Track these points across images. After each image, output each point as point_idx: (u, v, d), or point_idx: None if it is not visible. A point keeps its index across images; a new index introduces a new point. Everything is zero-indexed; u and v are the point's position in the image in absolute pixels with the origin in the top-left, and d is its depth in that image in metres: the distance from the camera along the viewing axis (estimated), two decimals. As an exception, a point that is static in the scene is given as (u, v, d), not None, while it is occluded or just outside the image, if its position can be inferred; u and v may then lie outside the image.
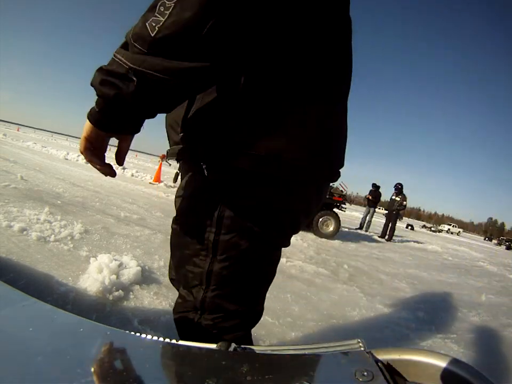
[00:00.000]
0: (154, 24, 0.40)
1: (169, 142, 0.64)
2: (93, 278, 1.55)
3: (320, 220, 5.19)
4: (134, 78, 0.41)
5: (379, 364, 0.32)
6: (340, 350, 0.37)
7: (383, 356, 0.34)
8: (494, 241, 44.23)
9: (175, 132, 0.60)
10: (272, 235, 0.58)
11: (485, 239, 45.63)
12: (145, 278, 1.78)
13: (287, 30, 0.48)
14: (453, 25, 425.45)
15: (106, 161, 0.52)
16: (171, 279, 0.80)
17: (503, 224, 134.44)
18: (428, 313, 2.37)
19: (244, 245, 0.56)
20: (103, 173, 0.53)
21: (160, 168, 8.13)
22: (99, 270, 1.60)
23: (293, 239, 4.15)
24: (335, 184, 6.12)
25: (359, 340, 0.39)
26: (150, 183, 7.39)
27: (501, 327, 2.46)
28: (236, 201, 0.54)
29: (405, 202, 7.48)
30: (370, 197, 8.17)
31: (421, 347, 1.75)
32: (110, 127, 0.47)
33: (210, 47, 0.41)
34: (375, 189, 8.16)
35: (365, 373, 0.30)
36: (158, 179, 7.72)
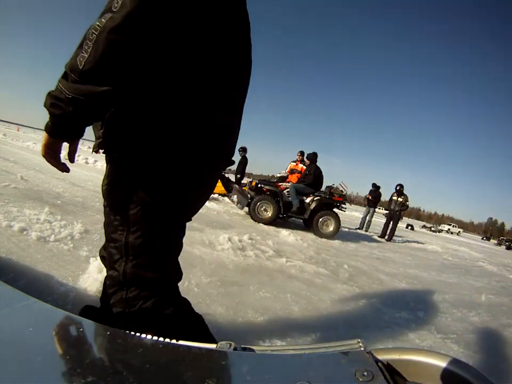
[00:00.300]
0: (81, 59, 0.57)
1: (94, 138, 0.79)
2: (93, 278, 1.55)
3: (320, 220, 5.19)
4: (71, 102, 0.58)
5: (379, 363, 0.32)
6: (340, 350, 0.37)
7: (383, 356, 0.34)
8: (493, 241, 44.12)
9: (97, 129, 0.74)
10: (170, 210, 0.73)
11: (482, 239, 45.45)
12: (145, 278, 1.77)
13: (179, 62, 0.67)
14: (453, 25, 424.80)
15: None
16: (101, 257, 0.95)
17: (503, 224, 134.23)
18: (428, 313, 2.37)
19: (149, 217, 0.71)
20: (60, 170, 0.70)
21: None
22: (99, 270, 1.60)
23: (293, 239, 4.10)
24: (335, 184, 6.13)
25: (359, 340, 0.39)
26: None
27: (501, 327, 2.46)
28: (140, 181, 0.70)
29: (407, 203, 7.49)
30: (370, 197, 8.17)
31: (421, 347, 1.74)
32: (60, 135, 0.65)
33: (113, 77, 0.60)
34: (375, 189, 8.15)
35: (365, 373, 0.30)
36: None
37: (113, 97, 0.62)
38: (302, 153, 6.37)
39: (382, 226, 7.70)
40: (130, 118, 0.69)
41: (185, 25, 0.64)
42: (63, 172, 0.71)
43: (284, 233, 4.43)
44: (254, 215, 5.10)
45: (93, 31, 0.58)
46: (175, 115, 0.69)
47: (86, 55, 0.57)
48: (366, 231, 7.91)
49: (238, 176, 7.42)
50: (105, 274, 1.64)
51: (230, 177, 7.47)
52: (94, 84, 0.58)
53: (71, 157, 0.71)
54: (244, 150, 7.43)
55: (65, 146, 0.70)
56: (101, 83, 0.59)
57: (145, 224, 0.70)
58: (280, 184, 5.66)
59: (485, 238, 47.28)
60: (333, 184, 6.05)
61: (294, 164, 6.42)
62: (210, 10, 0.67)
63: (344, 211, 6.26)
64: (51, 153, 0.67)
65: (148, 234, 0.71)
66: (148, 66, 0.64)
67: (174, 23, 0.62)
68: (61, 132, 0.64)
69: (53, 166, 0.69)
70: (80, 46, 0.59)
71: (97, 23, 0.58)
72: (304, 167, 6.17)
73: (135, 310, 0.71)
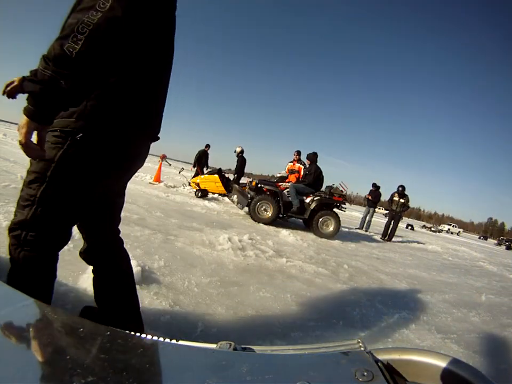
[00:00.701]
0: (71, 50, 0.66)
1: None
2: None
3: (320, 220, 5.18)
4: (66, 80, 0.67)
5: (379, 363, 0.33)
6: (340, 350, 0.37)
7: (383, 356, 0.34)
8: (491, 240, 43.94)
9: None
10: (92, 178, 0.84)
11: (479, 238, 45.26)
12: (145, 278, 1.77)
13: (130, 65, 0.84)
14: (454, 25, 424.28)
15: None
16: (80, 253, 1.08)
17: (503, 224, 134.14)
18: (428, 313, 2.37)
19: (70, 181, 0.81)
20: (38, 156, 0.73)
21: (160, 168, 8.13)
22: (99, 270, 1.60)
23: (293, 239, 4.10)
24: (335, 184, 6.13)
25: (359, 340, 0.39)
26: (150, 183, 7.38)
27: (501, 327, 2.47)
28: (73, 150, 0.80)
29: (408, 203, 7.50)
30: (370, 197, 8.17)
31: (421, 347, 1.74)
32: (47, 120, 0.69)
33: (99, 67, 0.72)
34: (375, 189, 8.16)
35: (365, 373, 0.30)
36: (158, 179, 7.72)
37: (94, 82, 0.74)
38: (298, 152, 6.37)
39: (382, 226, 7.70)
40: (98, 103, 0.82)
41: (141, 29, 0.79)
42: (41, 158, 0.75)
43: (284, 233, 4.43)
44: (254, 215, 5.10)
45: (84, 25, 0.66)
46: (121, 102, 0.84)
47: (77, 47, 0.66)
48: (366, 231, 7.91)
49: (235, 175, 7.45)
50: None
51: (230, 177, 7.49)
52: (82, 70, 0.68)
53: (43, 145, 0.73)
54: (241, 151, 7.52)
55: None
56: (88, 70, 0.69)
57: (63, 185, 0.80)
58: (280, 184, 5.66)
59: (482, 237, 46.99)
60: (333, 184, 6.05)
61: (291, 164, 6.42)
62: (156, 21, 0.84)
63: (344, 211, 6.26)
64: (30, 139, 0.69)
65: (62, 194, 0.81)
66: (116, 60, 0.78)
67: (139, 27, 0.77)
68: (48, 116, 0.69)
69: (33, 153, 0.71)
70: (65, 37, 0.66)
71: (87, 20, 0.67)
72: (301, 166, 6.19)
73: (24, 253, 0.80)
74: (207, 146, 8.46)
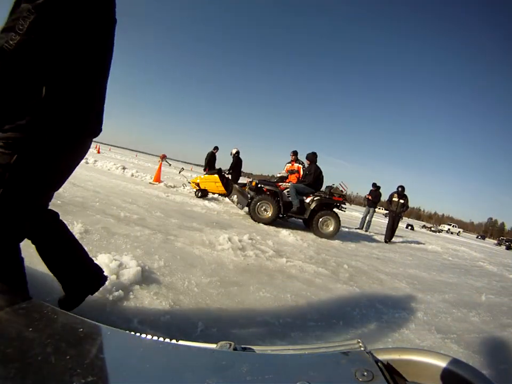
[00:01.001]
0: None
1: None
2: (93, 278, 1.55)
3: (320, 220, 5.18)
4: None
5: (379, 363, 0.33)
6: (340, 350, 0.37)
7: (383, 356, 0.34)
8: (489, 239, 44.06)
9: None
10: (42, 173, 0.91)
11: (477, 237, 45.38)
12: (145, 278, 1.77)
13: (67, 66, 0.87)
14: (454, 25, 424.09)
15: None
16: None
17: (503, 224, 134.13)
18: (428, 313, 2.37)
19: (21, 184, 0.87)
20: None
21: (160, 168, 8.13)
22: (99, 270, 1.60)
23: (293, 239, 4.09)
24: (335, 184, 6.13)
25: (359, 340, 0.39)
26: (150, 183, 7.38)
27: (501, 327, 2.47)
28: (22, 156, 0.85)
29: (408, 203, 7.49)
30: (370, 197, 8.17)
31: (421, 347, 1.74)
32: None
33: (15, 86, 0.75)
34: (375, 189, 8.16)
35: (365, 373, 0.30)
36: (158, 179, 7.72)
37: (23, 101, 0.79)
38: (294, 152, 6.39)
39: (382, 226, 7.69)
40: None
41: (68, 39, 0.83)
42: None
43: (284, 233, 4.43)
44: (254, 215, 5.10)
45: (1, 51, 0.69)
46: (60, 109, 0.88)
47: None
48: (366, 231, 7.91)
49: (228, 173, 7.48)
50: (107, 275, 1.71)
51: (230, 178, 7.50)
52: (4, 96, 0.73)
53: None
54: (236, 152, 7.61)
55: None
56: (11, 94, 0.74)
57: (17, 187, 0.87)
58: (280, 184, 5.66)
59: (480, 237, 47.00)
60: (333, 184, 6.05)
61: (290, 165, 6.43)
62: (86, 28, 0.87)
63: (344, 211, 6.26)
64: None
65: (16, 194, 0.88)
66: (45, 72, 0.82)
67: (65, 38, 0.81)
68: None
69: None
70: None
71: (6, 45, 0.69)
72: (300, 166, 6.20)
73: None
74: (216, 148, 8.45)
